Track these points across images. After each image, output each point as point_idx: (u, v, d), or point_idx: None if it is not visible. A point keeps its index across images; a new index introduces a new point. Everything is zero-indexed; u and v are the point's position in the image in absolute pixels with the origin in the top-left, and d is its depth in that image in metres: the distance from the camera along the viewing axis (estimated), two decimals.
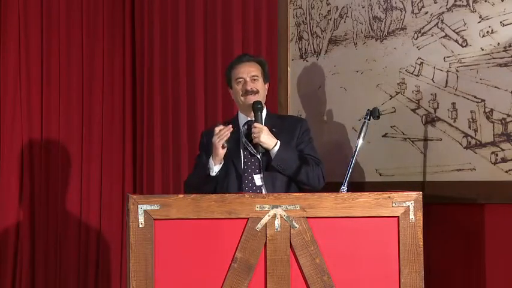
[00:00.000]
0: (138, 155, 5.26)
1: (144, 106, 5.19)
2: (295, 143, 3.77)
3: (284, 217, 3.10)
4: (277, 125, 3.80)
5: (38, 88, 5.12)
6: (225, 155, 3.70)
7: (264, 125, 3.76)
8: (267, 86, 3.90)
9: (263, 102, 3.81)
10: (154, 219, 3.08)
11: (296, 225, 3.11)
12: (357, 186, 3.84)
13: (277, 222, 3.10)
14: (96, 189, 5.20)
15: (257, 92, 3.79)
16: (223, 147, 3.65)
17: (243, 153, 3.77)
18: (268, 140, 3.68)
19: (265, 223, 3.10)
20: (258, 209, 3.10)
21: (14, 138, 5.04)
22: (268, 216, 3.10)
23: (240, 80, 3.82)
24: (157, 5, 5.16)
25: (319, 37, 4.45)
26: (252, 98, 3.77)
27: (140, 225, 3.07)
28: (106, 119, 5.26)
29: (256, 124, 3.70)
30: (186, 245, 3.10)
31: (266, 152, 3.71)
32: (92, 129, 5.22)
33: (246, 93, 3.79)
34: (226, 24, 4.87)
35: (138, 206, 3.07)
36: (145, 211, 3.07)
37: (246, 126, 3.79)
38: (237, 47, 4.80)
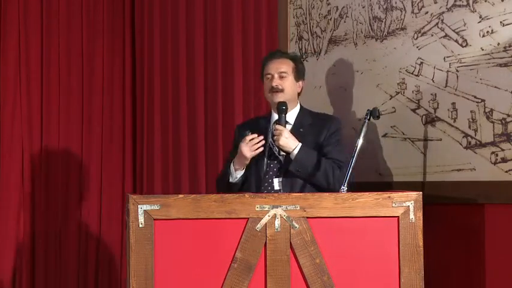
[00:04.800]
0: (138, 155, 5.26)
1: (144, 106, 5.19)
2: (320, 144, 3.66)
3: (284, 217, 3.10)
4: (306, 124, 3.73)
5: (38, 88, 5.11)
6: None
7: (294, 124, 3.71)
8: (300, 83, 3.80)
9: (292, 100, 3.74)
10: (154, 219, 3.08)
11: (296, 225, 3.11)
12: (357, 186, 3.84)
13: (277, 222, 3.10)
14: (96, 189, 5.20)
15: (282, 90, 3.71)
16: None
17: (267, 154, 3.68)
18: (287, 143, 3.58)
19: (265, 223, 3.10)
20: (258, 209, 3.10)
21: (14, 138, 5.03)
22: (268, 216, 3.10)
23: (268, 76, 3.76)
24: (157, 5, 5.16)
25: (319, 37, 4.45)
26: (277, 96, 3.70)
27: (140, 225, 3.07)
28: (106, 119, 5.25)
29: (277, 126, 3.62)
30: (186, 245, 3.10)
31: (288, 155, 3.62)
32: (92, 129, 5.22)
33: (272, 89, 3.73)
34: (226, 24, 4.86)
35: (138, 206, 3.07)
36: (145, 211, 3.07)
37: (273, 126, 3.68)
38: (237, 46, 4.80)
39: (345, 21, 4.31)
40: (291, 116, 3.76)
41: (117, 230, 5.18)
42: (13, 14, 5.06)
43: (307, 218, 3.11)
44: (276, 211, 3.10)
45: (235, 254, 3.09)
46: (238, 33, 4.81)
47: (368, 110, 3.57)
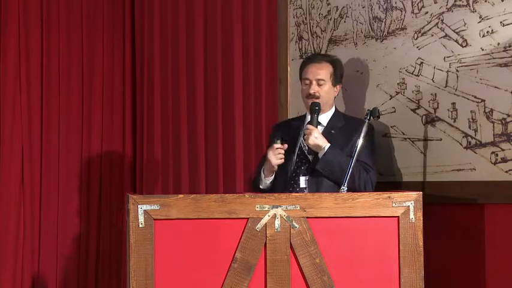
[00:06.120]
0: (138, 155, 5.25)
1: (144, 106, 5.18)
2: (349, 147, 3.69)
3: (284, 217, 3.10)
4: (338, 127, 3.79)
5: (38, 88, 5.11)
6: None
7: (326, 126, 3.78)
8: (338, 87, 3.87)
9: (328, 104, 3.81)
10: (154, 219, 3.08)
11: (296, 225, 3.11)
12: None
13: (277, 222, 3.10)
14: (96, 189, 5.19)
15: (319, 97, 3.78)
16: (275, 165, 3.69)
17: (297, 152, 3.76)
18: (316, 142, 3.65)
19: (265, 223, 3.10)
20: (258, 209, 3.10)
21: (14, 138, 5.03)
22: (268, 216, 3.10)
23: (307, 82, 3.83)
24: (157, 4, 5.15)
25: (319, 37, 4.45)
26: (313, 100, 3.78)
27: (140, 225, 3.07)
28: (106, 119, 5.25)
29: (308, 126, 3.69)
30: (186, 245, 3.10)
31: (317, 154, 3.68)
32: (92, 129, 5.21)
33: (309, 96, 3.80)
34: (226, 24, 4.86)
35: (138, 206, 3.08)
36: (145, 211, 3.07)
37: (305, 127, 3.75)
38: (237, 46, 4.80)
39: (345, 21, 4.31)
40: (325, 118, 3.82)
41: (117, 230, 5.18)
42: (13, 14, 5.06)
43: (307, 218, 3.11)
44: (276, 211, 3.10)
45: (235, 254, 3.09)
46: (238, 33, 4.81)
47: (368, 110, 3.58)
